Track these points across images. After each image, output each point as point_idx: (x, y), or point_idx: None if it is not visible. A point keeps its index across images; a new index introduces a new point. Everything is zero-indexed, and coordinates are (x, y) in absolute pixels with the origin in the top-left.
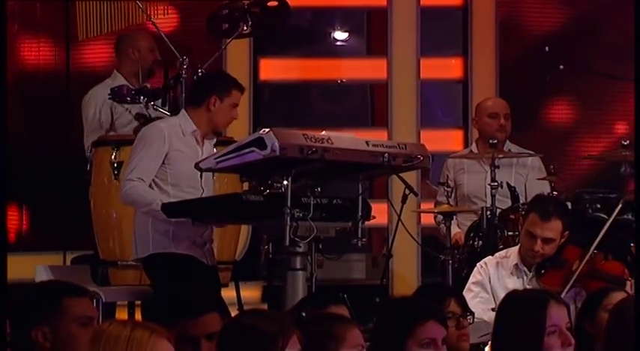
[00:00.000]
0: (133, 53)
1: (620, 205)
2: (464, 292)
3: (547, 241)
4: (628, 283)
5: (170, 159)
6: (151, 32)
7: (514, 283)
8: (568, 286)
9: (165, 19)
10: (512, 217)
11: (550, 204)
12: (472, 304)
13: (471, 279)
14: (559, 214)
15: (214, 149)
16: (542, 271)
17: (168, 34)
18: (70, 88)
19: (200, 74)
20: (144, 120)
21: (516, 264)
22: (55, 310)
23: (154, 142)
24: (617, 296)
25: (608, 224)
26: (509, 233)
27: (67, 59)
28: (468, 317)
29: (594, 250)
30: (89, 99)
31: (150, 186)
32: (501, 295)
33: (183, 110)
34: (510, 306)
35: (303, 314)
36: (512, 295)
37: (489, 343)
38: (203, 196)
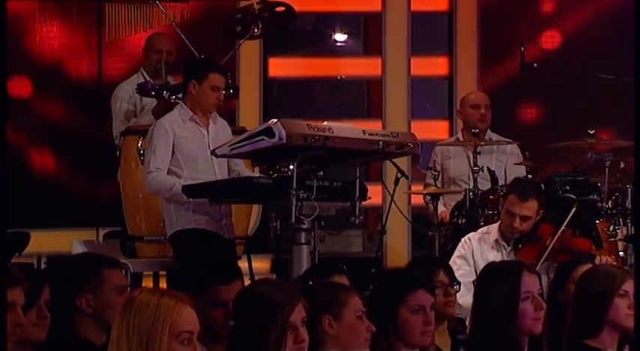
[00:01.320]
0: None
1: (574, 208)
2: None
3: (525, 218)
4: (597, 258)
5: (178, 146)
6: (168, 34)
7: (494, 256)
8: (542, 260)
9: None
10: (492, 197)
11: (527, 186)
12: (466, 270)
13: (456, 253)
14: (535, 194)
15: (223, 124)
16: (520, 246)
17: (188, 35)
18: (102, 85)
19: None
20: (163, 100)
21: (496, 239)
22: (97, 279)
23: (160, 136)
24: (583, 268)
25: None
26: (490, 212)
27: (100, 61)
28: (455, 286)
29: (564, 227)
30: (117, 94)
31: (168, 173)
32: (483, 266)
33: (180, 102)
34: (489, 275)
35: (310, 283)
36: (490, 266)
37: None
38: (217, 177)
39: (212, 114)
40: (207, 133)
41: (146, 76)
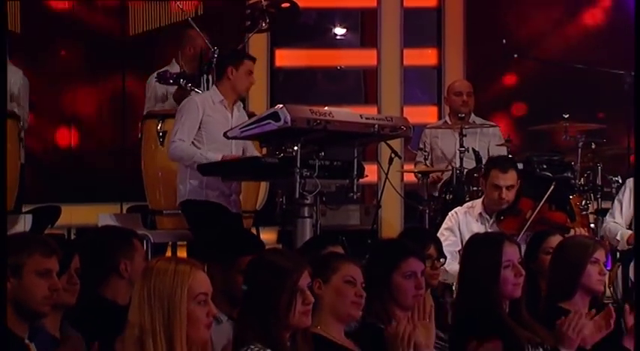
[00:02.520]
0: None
1: (552, 185)
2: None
3: (509, 187)
4: (572, 231)
5: (204, 123)
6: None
7: (479, 228)
8: (523, 231)
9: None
10: (476, 175)
11: (504, 159)
12: (444, 246)
13: (444, 225)
14: (512, 165)
15: (243, 114)
16: (501, 218)
17: (202, 29)
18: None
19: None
20: (180, 88)
21: (480, 212)
22: (131, 248)
23: (191, 111)
24: (554, 239)
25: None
26: (474, 188)
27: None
28: (442, 260)
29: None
30: (150, 81)
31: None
32: (468, 237)
33: (213, 85)
34: (474, 245)
35: (313, 251)
36: (475, 237)
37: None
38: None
39: (237, 103)
40: (231, 117)
41: (178, 67)
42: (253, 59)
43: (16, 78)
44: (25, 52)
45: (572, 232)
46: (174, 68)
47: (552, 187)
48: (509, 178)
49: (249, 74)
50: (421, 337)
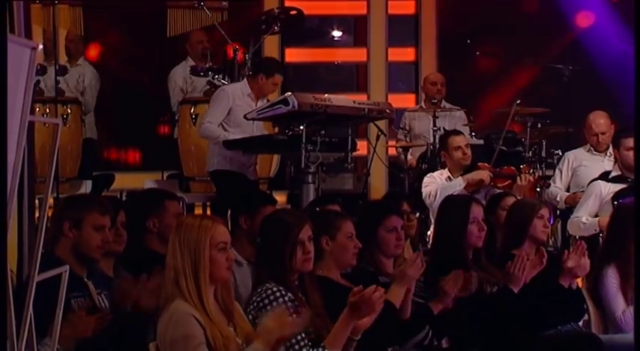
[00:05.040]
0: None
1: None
2: (423, 188)
3: (467, 146)
4: (520, 177)
5: (233, 110)
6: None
7: None
8: (482, 187)
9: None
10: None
11: (452, 130)
12: (432, 186)
13: (424, 184)
14: (461, 131)
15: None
16: None
17: (226, 31)
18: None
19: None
20: (212, 86)
21: (448, 176)
22: (161, 207)
23: (222, 100)
24: (509, 199)
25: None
26: (444, 160)
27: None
28: (416, 213)
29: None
30: (171, 76)
31: (219, 127)
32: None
33: (244, 79)
34: (447, 205)
35: (317, 209)
36: (448, 198)
37: (431, 228)
38: (254, 134)
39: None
40: (256, 106)
41: (193, 62)
42: (282, 73)
43: (89, 74)
44: None
45: (519, 180)
46: (190, 62)
47: (497, 150)
48: (463, 139)
49: (275, 85)
50: (411, 271)
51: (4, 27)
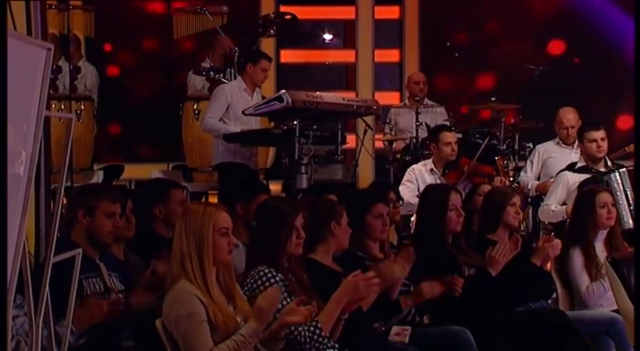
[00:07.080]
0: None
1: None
2: (400, 185)
3: (456, 143)
4: (496, 178)
5: (231, 106)
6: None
7: (431, 179)
8: (461, 180)
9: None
10: (428, 142)
11: (445, 126)
12: (406, 192)
13: (405, 177)
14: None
15: (260, 98)
16: (446, 172)
17: (227, 34)
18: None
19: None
20: (212, 83)
21: (431, 168)
22: (166, 195)
23: (221, 97)
24: (485, 187)
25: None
26: (426, 152)
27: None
28: (400, 202)
29: (476, 160)
30: (188, 77)
31: (220, 121)
32: (422, 186)
33: (239, 76)
34: (428, 193)
35: (311, 198)
36: (429, 187)
37: (414, 215)
38: (253, 127)
39: (256, 89)
40: (252, 100)
41: (209, 64)
42: (269, 59)
43: (92, 73)
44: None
45: (496, 180)
46: (207, 64)
47: (481, 148)
48: (454, 136)
49: (264, 70)
50: (398, 273)
51: (4, 27)
